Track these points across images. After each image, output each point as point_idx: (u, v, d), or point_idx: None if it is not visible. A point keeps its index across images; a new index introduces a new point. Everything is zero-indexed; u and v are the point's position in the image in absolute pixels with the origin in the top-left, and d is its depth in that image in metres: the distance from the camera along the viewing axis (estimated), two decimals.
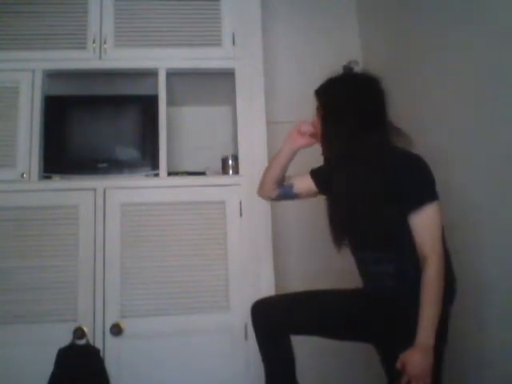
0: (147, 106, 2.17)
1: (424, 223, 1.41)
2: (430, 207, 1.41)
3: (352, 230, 1.61)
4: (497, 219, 1.65)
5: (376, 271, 1.55)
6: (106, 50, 2.17)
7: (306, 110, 2.74)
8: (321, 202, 2.50)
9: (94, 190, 2.06)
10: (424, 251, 1.40)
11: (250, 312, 1.63)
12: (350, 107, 1.54)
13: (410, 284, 1.42)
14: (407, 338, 1.35)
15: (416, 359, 1.32)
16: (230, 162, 2.27)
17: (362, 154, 1.53)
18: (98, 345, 1.92)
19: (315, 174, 1.80)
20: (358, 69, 2.77)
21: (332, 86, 1.63)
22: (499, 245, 1.64)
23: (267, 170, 1.81)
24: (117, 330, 1.94)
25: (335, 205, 1.66)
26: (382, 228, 1.47)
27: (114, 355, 1.94)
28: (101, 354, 1.91)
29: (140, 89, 2.21)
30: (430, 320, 1.35)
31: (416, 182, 1.43)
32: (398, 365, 1.34)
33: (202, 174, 2.30)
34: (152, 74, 2.18)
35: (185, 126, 2.59)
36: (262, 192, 1.85)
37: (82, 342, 1.89)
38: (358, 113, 1.53)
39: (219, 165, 2.33)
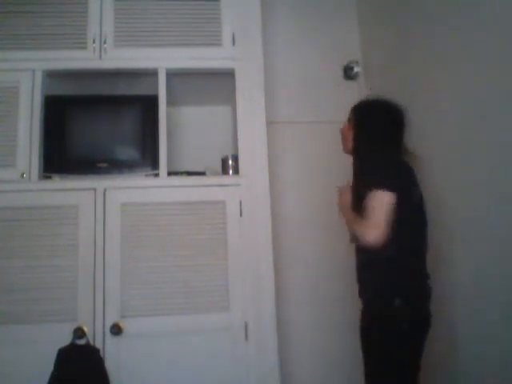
0: (147, 106, 2.17)
1: (368, 203, 1.72)
2: (375, 192, 1.71)
3: None
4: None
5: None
6: (106, 50, 2.17)
7: (306, 110, 2.76)
8: (321, 202, 2.51)
9: (94, 190, 2.06)
10: (365, 220, 1.71)
11: None
12: (378, 132, 1.86)
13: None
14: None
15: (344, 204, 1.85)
16: (230, 162, 2.27)
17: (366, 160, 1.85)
18: (98, 345, 1.92)
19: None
20: (358, 69, 2.81)
21: (368, 109, 1.93)
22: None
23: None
24: (117, 330, 1.94)
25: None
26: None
27: (114, 355, 1.94)
28: (101, 353, 1.91)
29: (140, 89, 2.21)
30: (351, 220, 1.78)
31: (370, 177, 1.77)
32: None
33: (202, 174, 2.30)
34: (152, 74, 2.18)
35: (185, 126, 2.60)
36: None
37: (81, 341, 1.90)
38: (382, 137, 1.85)
39: (219, 165, 2.33)
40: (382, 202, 1.68)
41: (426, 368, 1.70)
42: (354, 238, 1.80)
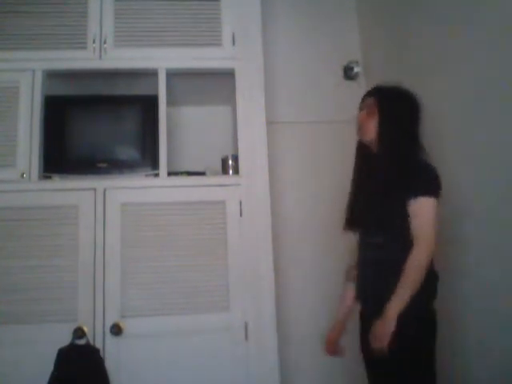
0: (147, 106, 2.17)
1: (418, 212, 1.58)
2: (426, 200, 1.57)
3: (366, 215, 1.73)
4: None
5: (369, 258, 1.72)
6: (106, 50, 2.17)
7: (306, 110, 2.76)
8: (321, 201, 2.51)
9: (94, 189, 2.06)
10: (415, 234, 1.56)
11: None
12: (406, 121, 1.73)
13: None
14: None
15: (380, 324, 1.54)
16: (230, 162, 2.27)
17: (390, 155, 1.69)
18: (98, 345, 1.92)
19: None
20: (358, 69, 2.81)
21: (398, 96, 1.77)
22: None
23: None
24: (117, 330, 1.94)
25: (360, 193, 1.79)
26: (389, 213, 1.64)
27: (114, 355, 1.94)
28: (101, 353, 1.91)
29: (140, 89, 2.21)
30: (404, 290, 1.52)
31: (424, 180, 1.62)
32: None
33: (202, 174, 2.30)
34: (152, 74, 2.18)
35: (185, 126, 2.60)
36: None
37: (81, 341, 1.90)
38: (413, 127, 1.73)
39: (219, 165, 2.33)
40: (432, 212, 1.56)
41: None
42: (348, 225, 1.78)
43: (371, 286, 1.69)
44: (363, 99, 1.85)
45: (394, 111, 1.75)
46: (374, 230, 1.69)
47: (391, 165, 1.66)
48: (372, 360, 1.67)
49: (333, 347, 1.89)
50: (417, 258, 1.53)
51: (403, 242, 1.58)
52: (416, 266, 1.53)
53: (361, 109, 1.84)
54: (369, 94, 1.84)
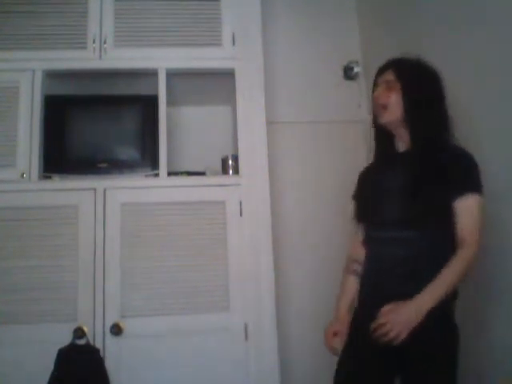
0: (147, 106, 2.17)
1: (468, 210, 1.42)
2: (474, 198, 1.42)
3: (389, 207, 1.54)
4: None
5: (392, 255, 1.50)
6: (106, 50, 2.17)
7: (306, 110, 2.76)
8: (321, 201, 2.50)
9: (94, 189, 2.06)
10: (463, 235, 1.41)
11: None
12: (434, 96, 1.54)
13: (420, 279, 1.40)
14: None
15: (407, 310, 1.36)
16: (230, 162, 2.27)
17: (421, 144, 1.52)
18: (98, 345, 1.92)
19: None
20: (358, 69, 2.81)
21: (420, 67, 1.58)
22: None
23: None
24: (117, 330, 1.94)
25: (381, 181, 1.60)
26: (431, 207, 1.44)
27: (114, 355, 1.94)
28: (101, 353, 1.91)
29: (140, 89, 2.21)
30: (441, 287, 1.36)
31: (466, 172, 1.45)
32: (386, 308, 1.38)
33: (202, 174, 2.30)
34: (152, 73, 2.18)
35: (185, 126, 2.60)
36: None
37: (81, 341, 1.90)
38: (440, 103, 1.54)
39: (219, 165, 2.33)
40: (481, 212, 1.42)
41: None
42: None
43: (395, 284, 1.48)
44: (378, 74, 1.63)
45: (420, 84, 1.54)
46: (404, 224, 1.47)
47: (427, 150, 1.48)
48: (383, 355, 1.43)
49: (335, 339, 1.66)
50: (466, 259, 1.39)
51: (441, 239, 1.44)
52: (464, 267, 1.38)
53: (376, 85, 1.62)
54: (385, 67, 1.61)
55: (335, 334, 1.66)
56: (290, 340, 2.42)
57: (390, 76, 1.57)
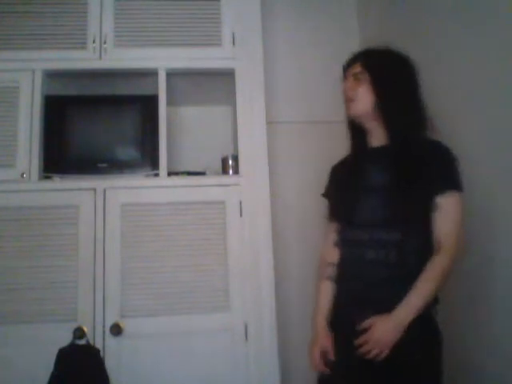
0: (147, 106, 2.17)
1: (446, 210, 1.37)
2: (453, 195, 1.37)
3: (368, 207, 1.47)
4: None
5: (374, 257, 1.43)
6: (106, 50, 2.17)
7: (306, 110, 2.76)
8: (322, 202, 2.51)
9: (94, 190, 2.06)
10: (440, 238, 1.37)
11: None
12: (406, 84, 1.48)
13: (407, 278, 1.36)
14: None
15: (386, 327, 1.32)
16: (230, 162, 2.27)
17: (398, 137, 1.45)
18: (98, 345, 1.92)
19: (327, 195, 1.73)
20: None
21: (389, 55, 1.54)
22: None
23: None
24: (117, 330, 1.94)
25: (358, 179, 1.53)
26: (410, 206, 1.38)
27: (114, 355, 1.94)
28: (101, 353, 1.91)
29: (140, 89, 2.21)
30: (419, 298, 1.32)
31: (446, 168, 1.40)
32: (366, 324, 1.35)
33: (202, 174, 2.30)
34: (152, 73, 2.18)
35: (185, 126, 2.60)
36: None
37: (81, 341, 1.90)
38: (413, 91, 1.49)
39: (219, 165, 2.33)
40: (461, 211, 1.37)
41: None
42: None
43: (377, 289, 1.41)
44: (346, 67, 1.56)
45: (389, 73, 1.48)
46: (387, 225, 1.40)
47: (405, 147, 1.41)
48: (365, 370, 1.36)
49: (324, 359, 1.53)
50: (442, 266, 1.34)
51: (422, 240, 1.39)
52: (440, 275, 1.34)
53: (345, 78, 1.55)
54: (353, 59, 1.56)
55: (322, 355, 1.53)
56: (290, 340, 2.42)
57: (357, 68, 1.52)
